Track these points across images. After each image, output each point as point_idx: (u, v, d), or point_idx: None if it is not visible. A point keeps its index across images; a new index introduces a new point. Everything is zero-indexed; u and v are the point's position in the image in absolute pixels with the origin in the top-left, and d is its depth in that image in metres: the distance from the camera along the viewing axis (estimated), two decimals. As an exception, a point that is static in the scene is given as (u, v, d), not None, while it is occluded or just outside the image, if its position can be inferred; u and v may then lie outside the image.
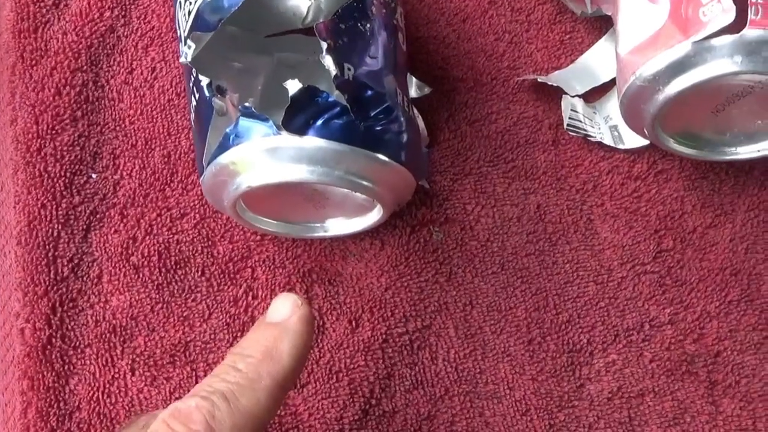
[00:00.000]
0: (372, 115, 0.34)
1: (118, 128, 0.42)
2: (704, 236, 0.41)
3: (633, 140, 0.42)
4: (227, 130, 0.34)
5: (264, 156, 0.33)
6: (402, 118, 0.35)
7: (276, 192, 0.36)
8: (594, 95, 0.43)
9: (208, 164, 0.34)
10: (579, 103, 0.43)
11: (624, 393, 0.39)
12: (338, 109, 0.33)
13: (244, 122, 0.33)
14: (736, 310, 0.40)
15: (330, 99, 0.33)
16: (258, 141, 0.33)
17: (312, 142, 0.33)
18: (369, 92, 0.34)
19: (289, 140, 0.33)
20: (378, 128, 0.34)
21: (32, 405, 0.37)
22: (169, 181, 0.41)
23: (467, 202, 0.41)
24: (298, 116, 0.33)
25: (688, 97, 0.35)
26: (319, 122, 0.33)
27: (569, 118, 0.42)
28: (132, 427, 0.31)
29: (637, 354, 0.39)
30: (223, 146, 0.34)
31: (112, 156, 0.41)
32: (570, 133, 0.42)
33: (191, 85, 0.36)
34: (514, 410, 0.38)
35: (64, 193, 0.40)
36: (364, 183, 0.34)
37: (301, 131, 0.33)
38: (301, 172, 0.33)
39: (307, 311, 0.31)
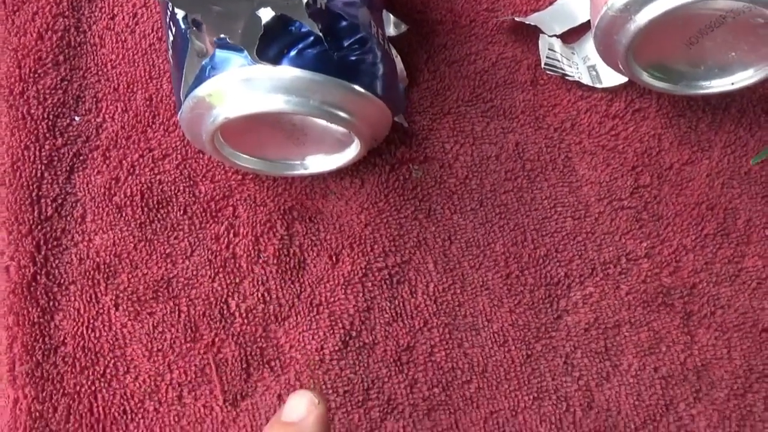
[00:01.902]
0: (346, 45, 0.34)
1: (100, 72, 0.42)
2: (681, 172, 0.42)
3: (611, 79, 0.43)
4: (203, 62, 0.34)
5: (240, 87, 0.34)
6: (377, 51, 0.35)
7: (253, 125, 0.36)
8: (572, 36, 0.44)
9: (186, 97, 0.35)
10: (557, 43, 0.43)
11: (601, 324, 0.39)
12: (312, 38, 0.33)
13: (220, 54, 0.34)
14: (712, 244, 0.41)
15: (303, 28, 0.33)
16: (234, 72, 0.34)
17: (287, 71, 0.33)
18: (343, 23, 0.34)
19: (264, 70, 0.33)
20: (352, 58, 0.34)
21: (18, 340, 0.38)
22: (151, 124, 0.41)
23: (446, 140, 0.42)
24: (272, 46, 0.33)
25: (660, 26, 0.35)
26: (293, 52, 0.33)
27: (547, 57, 0.42)
28: None
29: (614, 286, 0.40)
30: (200, 79, 0.34)
31: (94, 99, 0.42)
32: (548, 72, 0.43)
33: (168, 20, 0.36)
34: (492, 341, 0.39)
35: (47, 135, 0.41)
36: (340, 114, 0.34)
37: (275, 61, 0.33)
38: (276, 102, 0.34)
39: (323, 411, 0.30)
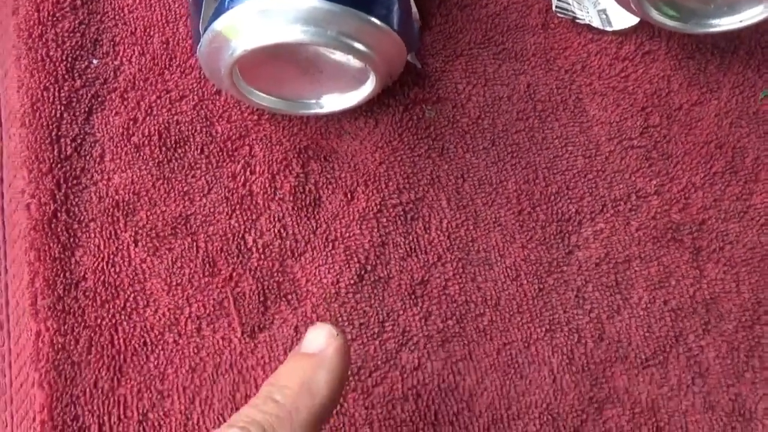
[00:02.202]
0: (362, -24, 0.35)
1: (117, 17, 0.43)
2: (690, 112, 0.42)
3: (621, 22, 0.43)
4: (222, -5, 0.35)
5: (258, 18, 0.34)
6: (392, -17, 0.36)
7: (271, 59, 0.37)
8: (582, -20, 0.44)
9: (204, 31, 0.36)
10: (567, -14, 0.44)
11: (611, 259, 0.40)
12: (329, -32, 0.34)
13: (239, -15, 0.34)
14: (721, 181, 0.41)
15: (321, -42, 0.34)
16: (251, 3, 0.34)
17: (304, 2, 0.34)
18: (359, -47, 0.35)
19: (281, 1, 0.34)
20: (368, -10, 0.35)
21: (39, 275, 0.38)
22: (168, 66, 0.42)
23: (458, 81, 0.42)
24: (290, -25, 0.34)
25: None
26: (311, -18, 0.34)
27: (558, 0, 0.43)
28: None
29: (624, 223, 0.41)
30: (218, 12, 0.35)
31: (111, 43, 0.42)
32: (559, 15, 0.43)
33: (187, -44, 0.37)
34: (504, 275, 0.40)
35: (66, 77, 0.41)
36: (357, 45, 0.35)
37: (293, -9, 0.34)
38: (294, 33, 0.34)
39: (343, 342, 0.30)
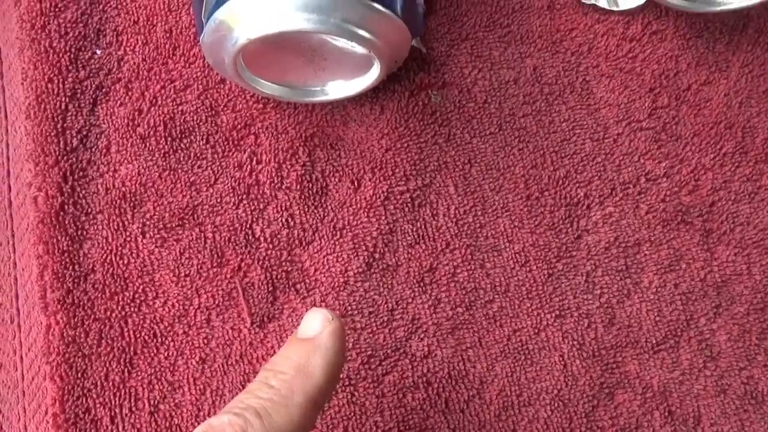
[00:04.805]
0: (365, -38, 0.34)
1: (119, 6, 0.43)
2: (699, 93, 0.42)
3: (627, 2, 0.43)
4: (224, -16, 0.34)
5: (261, 6, 0.34)
6: (395, -31, 0.35)
7: (275, 48, 0.36)
8: (588, -40, 0.44)
9: (207, 20, 0.35)
10: (573, -33, 0.43)
11: (621, 243, 0.40)
12: (331, -45, 0.33)
13: (241, -26, 0.34)
14: (731, 162, 0.41)
15: (323, -55, 0.33)
16: (254, -8, 0.34)
17: (307, -10, 0.34)
18: (361, -60, 0.34)
19: (284, -11, 0.34)
20: (372, -24, 0.34)
21: (48, 268, 0.38)
22: (171, 55, 0.42)
23: (464, 66, 0.42)
24: (292, -37, 0.33)
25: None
26: (314, -31, 0.33)
27: (563, -19, 0.42)
28: None
29: (634, 206, 0.40)
30: (221, 1, 0.35)
31: (115, 33, 0.42)
32: (565, -4, 0.43)
33: (188, -55, 0.36)
34: (513, 261, 0.39)
35: (70, 68, 0.41)
36: (361, 32, 0.35)
37: (295, -21, 0.33)
38: (298, 21, 0.34)
39: (338, 325, 0.31)
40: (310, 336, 0.31)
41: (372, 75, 0.38)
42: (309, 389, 0.29)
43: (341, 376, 0.37)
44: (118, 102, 0.41)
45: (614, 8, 0.43)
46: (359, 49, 0.37)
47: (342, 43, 0.36)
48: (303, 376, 0.29)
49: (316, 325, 0.31)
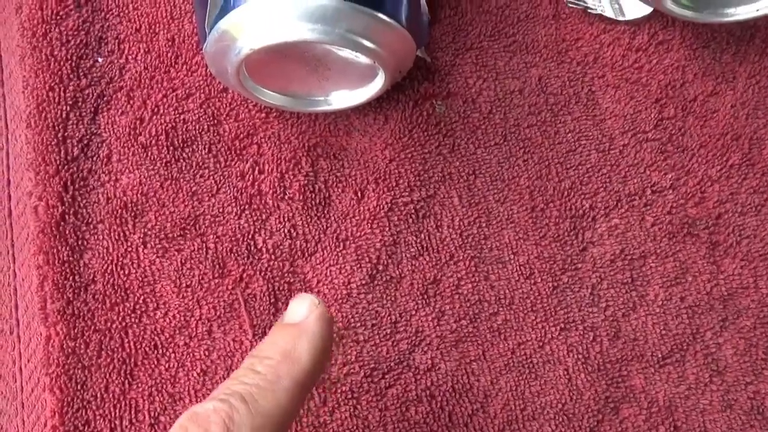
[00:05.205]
0: (370, -28, 0.34)
1: (121, 14, 0.42)
2: (705, 104, 0.42)
3: (634, 12, 0.42)
4: (227, -7, 0.34)
5: (264, 17, 0.34)
6: (400, -21, 0.35)
7: (278, 58, 0.36)
8: (594, -31, 0.43)
9: (210, 30, 0.35)
10: (579, -24, 0.43)
11: (626, 255, 0.39)
12: (336, -35, 0.33)
13: (244, -17, 0.33)
14: (737, 174, 0.41)
15: (328, -45, 0.33)
16: (258, 2, 0.33)
17: (312, 0, 0.33)
18: (367, -51, 0.34)
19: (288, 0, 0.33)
20: (376, -14, 0.34)
21: (48, 278, 0.38)
22: (173, 64, 0.41)
23: (469, 76, 0.42)
24: (296, -27, 0.33)
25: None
26: (318, -21, 0.33)
27: (569, -10, 0.42)
28: None
29: (639, 218, 0.40)
30: (224, 10, 0.34)
31: (116, 41, 0.42)
32: (570, 6, 0.42)
33: (191, -47, 0.36)
34: (518, 274, 0.39)
35: (71, 76, 0.41)
36: (365, 43, 0.34)
37: (300, -11, 0.33)
38: (302, 31, 0.34)
39: (324, 310, 0.30)
40: (296, 321, 0.30)
41: (376, 85, 0.38)
42: (296, 374, 0.29)
43: (344, 389, 0.37)
44: (120, 111, 0.41)
45: (620, 18, 0.42)
46: (363, 59, 0.36)
47: (346, 53, 0.36)
48: (289, 361, 0.29)
49: (302, 310, 0.31)
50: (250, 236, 0.39)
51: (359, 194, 0.40)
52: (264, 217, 0.39)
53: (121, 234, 0.39)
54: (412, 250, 0.39)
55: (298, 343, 0.29)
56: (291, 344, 0.29)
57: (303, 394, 0.29)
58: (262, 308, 0.38)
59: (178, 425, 0.27)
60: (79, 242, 0.39)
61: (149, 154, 0.40)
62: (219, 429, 0.27)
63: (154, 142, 0.40)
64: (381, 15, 0.34)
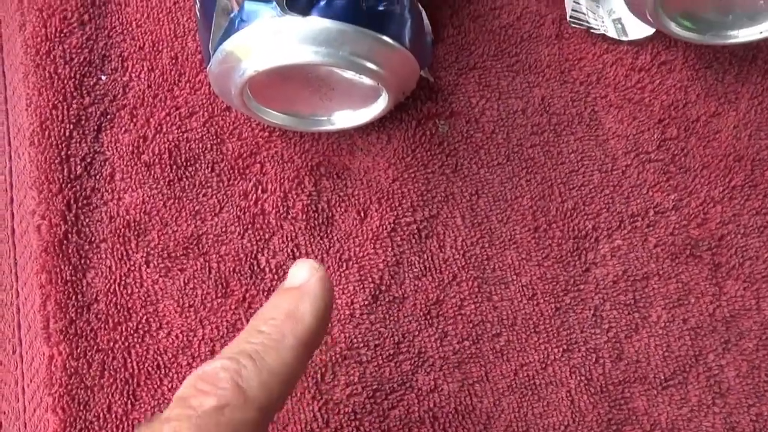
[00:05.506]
0: (374, -5, 0.34)
1: (125, 32, 0.42)
2: (708, 124, 0.42)
3: (637, 32, 0.42)
4: (232, 15, 0.34)
5: (269, 39, 0.34)
6: (405, 1, 0.35)
7: (282, 79, 0.36)
8: (597, -11, 0.43)
9: (214, 51, 0.35)
10: (582, -4, 0.43)
11: (629, 276, 0.39)
12: (341, -12, 0.33)
13: (249, 5, 0.34)
14: (740, 195, 0.41)
15: (333, -22, 0.33)
16: (263, 24, 0.34)
17: (316, 22, 0.33)
18: (371, -28, 0.34)
19: (293, 22, 0.33)
20: (381, 8, 0.34)
21: (51, 298, 0.38)
22: (177, 82, 0.41)
23: (472, 95, 0.42)
24: (301, -4, 0.33)
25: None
26: (323, 2, 0.33)
27: (572, 10, 0.42)
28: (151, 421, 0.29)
29: (642, 239, 0.40)
30: (229, 32, 0.34)
31: (120, 58, 0.42)
32: (573, 26, 0.42)
33: (195, -26, 0.36)
34: (521, 294, 0.39)
35: (75, 94, 0.41)
36: (369, 65, 0.34)
37: (304, 11, 0.33)
38: (306, 54, 0.34)
39: (324, 273, 0.31)
40: (297, 285, 0.31)
41: (379, 105, 0.38)
42: (299, 333, 0.29)
43: (347, 411, 0.37)
44: (123, 129, 0.41)
45: (623, 38, 0.42)
46: (367, 81, 0.36)
47: (350, 74, 0.36)
48: (293, 321, 0.29)
49: (302, 274, 0.31)
50: (253, 256, 0.39)
51: (362, 214, 0.40)
52: (267, 236, 0.39)
53: (124, 253, 0.39)
54: (414, 270, 0.39)
55: (301, 304, 0.30)
56: (294, 305, 0.30)
57: (307, 353, 0.30)
58: (264, 328, 0.38)
59: (187, 384, 0.28)
60: (82, 261, 0.39)
61: (152, 172, 0.40)
62: (228, 384, 0.27)
63: (157, 160, 0.40)
64: (385, 38, 0.34)
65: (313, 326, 0.30)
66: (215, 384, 0.27)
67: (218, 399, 0.27)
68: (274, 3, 0.33)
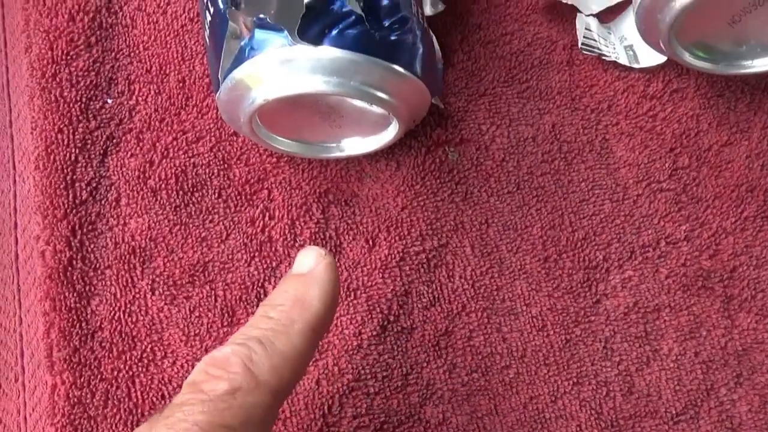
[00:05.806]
0: (387, 24, 0.34)
1: (132, 54, 0.42)
2: (720, 154, 0.41)
3: (648, 59, 0.42)
4: (242, 43, 0.34)
5: (279, 68, 0.33)
6: (417, 30, 0.35)
7: (292, 107, 0.36)
8: (609, 15, 0.43)
9: (224, 79, 0.35)
10: (593, 22, 0.42)
11: (640, 308, 0.39)
12: (353, 17, 0.33)
13: (260, 34, 0.33)
14: (752, 226, 0.40)
15: (345, 8, 0.33)
16: (273, 52, 0.33)
17: (327, 52, 0.33)
18: (384, 2, 0.34)
19: (304, 51, 0.33)
20: (393, 38, 0.34)
21: (55, 325, 0.37)
22: (184, 106, 0.41)
23: (482, 122, 0.41)
24: (313, 25, 0.32)
25: (704, 4, 0.34)
26: (335, 32, 0.33)
27: (584, 37, 0.42)
28: (158, 415, 0.29)
29: (653, 270, 0.39)
30: (239, 60, 0.34)
31: (127, 81, 0.41)
32: (584, 52, 0.42)
33: (205, 1, 0.36)
34: (530, 326, 0.39)
35: (81, 118, 0.40)
36: (380, 95, 0.34)
37: (316, 41, 0.33)
38: (316, 83, 0.33)
39: (331, 260, 0.31)
40: (304, 272, 0.31)
41: (390, 134, 0.38)
42: (308, 318, 0.30)
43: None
44: (129, 153, 0.40)
45: (635, 65, 0.42)
46: (377, 109, 0.36)
47: (360, 103, 0.36)
48: (301, 307, 0.30)
49: (309, 260, 0.31)
50: (259, 284, 0.39)
51: (370, 242, 0.39)
52: (274, 264, 0.39)
53: (129, 280, 0.38)
54: (423, 300, 0.39)
55: (309, 289, 0.30)
56: (302, 291, 0.30)
57: (316, 338, 0.30)
58: (271, 358, 0.38)
59: (198, 370, 0.28)
60: (87, 288, 0.38)
61: (158, 198, 0.40)
62: (239, 369, 0.28)
63: (163, 185, 0.40)
64: (397, 67, 0.34)
65: (321, 311, 0.30)
66: (226, 368, 0.28)
67: (230, 383, 0.27)
68: (285, 32, 0.33)
